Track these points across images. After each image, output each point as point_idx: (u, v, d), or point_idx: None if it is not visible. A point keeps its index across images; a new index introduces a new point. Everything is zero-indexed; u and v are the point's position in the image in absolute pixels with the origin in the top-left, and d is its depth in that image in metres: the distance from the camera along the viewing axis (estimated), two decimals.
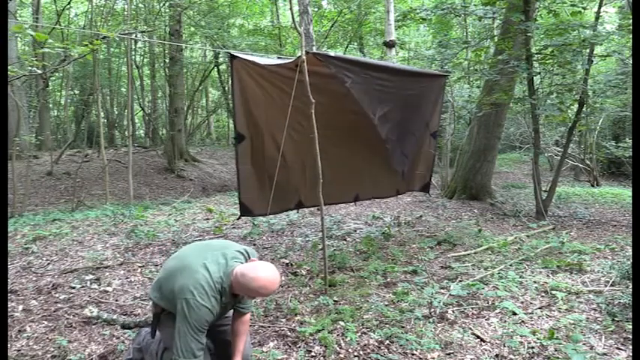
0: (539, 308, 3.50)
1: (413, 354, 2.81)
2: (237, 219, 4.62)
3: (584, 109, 8.07)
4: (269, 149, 4.45)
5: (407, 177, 5.59)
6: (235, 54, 4.10)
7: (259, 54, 12.17)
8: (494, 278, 4.15)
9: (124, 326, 3.15)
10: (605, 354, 2.80)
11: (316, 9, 15.21)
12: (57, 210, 7.76)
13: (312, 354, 2.82)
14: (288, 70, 4.09)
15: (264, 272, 2.04)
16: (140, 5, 13.92)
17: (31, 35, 3.59)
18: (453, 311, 3.45)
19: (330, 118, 4.44)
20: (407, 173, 5.54)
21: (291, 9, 4.22)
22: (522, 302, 3.64)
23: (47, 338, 3.00)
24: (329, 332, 3.03)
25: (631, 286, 3.59)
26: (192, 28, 15.04)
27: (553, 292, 3.77)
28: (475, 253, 5.05)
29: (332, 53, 3.86)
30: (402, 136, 5.20)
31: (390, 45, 9.26)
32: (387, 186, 5.61)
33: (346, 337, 2.99)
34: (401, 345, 2.91)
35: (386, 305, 3.54)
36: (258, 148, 4.43)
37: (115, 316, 3.30)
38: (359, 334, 3.06)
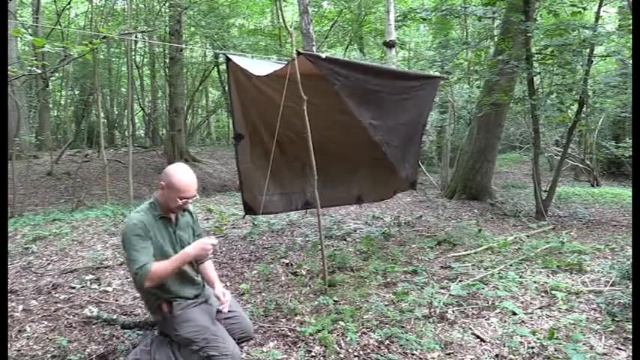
0: (539, 308, 3.50)
1: (413, 354, 2.81)
2: (242, 218, 4.61)
3: (584, 109, 8.07)
4: (268, 148, 4.44)
5: (408, 177, 5.59)
6: (230, 57, 4.10)
7: (259, 54, 12.17)
8: (494, 278, 4.15)
9: (124, 326, 3.15)
10: (605, 354, 2.80)
11: (316, 9, 15.21)
12: (57, 210, 7.76)
13: (312, 354, 2.82)
14: (281, 76, 4.07)
15: (180, 167, 2.37)
16: (140, 5, 13.92)
17: (30, 38, 3.60)
18: (453, 311, 3.45)
19: (325, 119, 4.42)
20: (409, 174, 5.54)
21: (280, 9, 4.20)
22: (522, 302, 3.63)
23: (47, 338, 3.00)
24: (329, 332, 3.03)
25: (631, 286, 3.59)
26: (193, 28, 15.03)
27: (553, 292, 3.77)
28: (475, 253, 5.05)
29: (323, 55, 3.82)
30: (399, 139, 5.14)
31: (390, 45, 9.27)
32: (387, 188, 5.61)
33: (346, 337, 2.99)
34: (401, 345, 2.91)
35: (386, 305, 3.54)
36: (257, 147, 4.43)
37: (115, 316, 3.30)
38: (359, 334, 3.06)
